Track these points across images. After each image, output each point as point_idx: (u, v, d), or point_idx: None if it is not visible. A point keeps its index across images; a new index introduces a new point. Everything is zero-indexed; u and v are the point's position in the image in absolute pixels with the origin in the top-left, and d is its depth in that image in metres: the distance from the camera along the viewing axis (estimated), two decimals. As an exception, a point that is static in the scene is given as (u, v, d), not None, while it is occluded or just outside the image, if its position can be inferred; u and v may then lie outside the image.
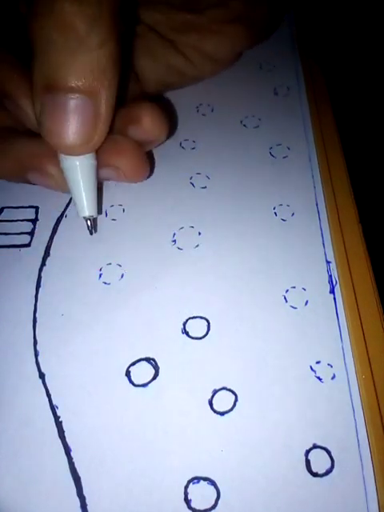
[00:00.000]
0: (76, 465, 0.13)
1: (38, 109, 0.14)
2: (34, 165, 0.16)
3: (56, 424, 0.13)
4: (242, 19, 0.21)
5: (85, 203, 0.16)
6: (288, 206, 0.19)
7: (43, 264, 0.17)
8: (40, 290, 0.16)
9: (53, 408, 0.14)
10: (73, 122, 0.14)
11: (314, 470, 0.12)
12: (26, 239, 0.18)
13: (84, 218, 0.16)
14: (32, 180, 0.17)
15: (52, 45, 0.13)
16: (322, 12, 0.30)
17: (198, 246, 0.17)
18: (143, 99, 0.16)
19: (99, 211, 0.17)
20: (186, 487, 0.12)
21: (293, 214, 0.18)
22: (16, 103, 0.15)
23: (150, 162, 0.18)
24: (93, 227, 0.16)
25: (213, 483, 0.12)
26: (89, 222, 0.16)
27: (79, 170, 0.15)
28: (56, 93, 0.13)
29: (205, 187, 0.19)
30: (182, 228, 0.18)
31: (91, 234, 0.16)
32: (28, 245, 0.18)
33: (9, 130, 0.17)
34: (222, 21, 0.20)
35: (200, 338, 0.15)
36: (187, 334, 0.15)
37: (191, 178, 0.20)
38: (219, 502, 0.12)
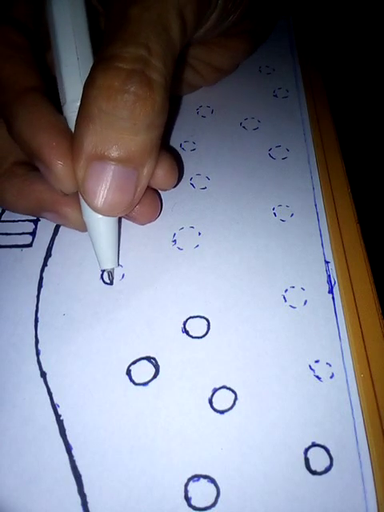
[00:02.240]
0: (77, 463, 0.13)
1: (81, 173, 0.14)
2: (52, 208, 0.16)
3: (57, 422, 0.13)
4: (247, 32, 0.22)
5: (107, 256, 0.16)
6: (287, 206, 0.19)
7: (45, 264, 0.17)
8: (41, 289, 0.16)
9: (54, 406, 0.14)
10: (117, 190, 0.14)
11: (313, 467, 0.13)
12: (27, 239, 0.18)
13: (104, 270, 0.16)
14: (48, 218, 0.17)
15: (116, 123, 0.13)
16: (321, 16, 0.30)
17: (197, 246, 0.18)
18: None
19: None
20: (186, 485, 0.12)
21: (292, 215, 0.18)
22: (48, 165, 0.15)
23: (160, 203, 0.18)
24: (112, 277, 0.16)
25: (213, 481, 0.12)
26: (109, 275, 0.16)
27: (103, 225, 0.15)
28: (105, 162, 0.14)
29: (205, 188, 0.20)
30: (182, 228, 0.18)
31: (111, 284, 0.16)
32: (30, 245, 0.18)
33: (26, 167, 0.17)
34: (228, 35, 0.21)
35: (200, 338, 0.15)
36: (187, 333, 0.15)
37: (191, 179, 0.20)
38: (219, 499, 0.12)
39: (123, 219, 0.18)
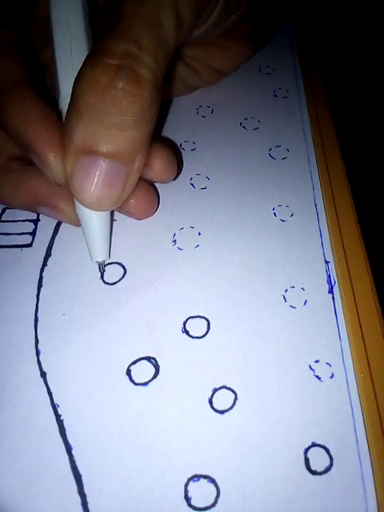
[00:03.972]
0: (77, 463, 0.13)
1: (69, 166, 0.14)
2: (48, 202, 0.17)
3: (57, 422, 0.13)
4: (247, 36, 0.22)
5: (98, 249, 0.16)
6: (287, 206, 0.19)
7: (45, 264, 0.17)
8: (41, 289, 0.16)
9: (54, 406, 0.14)
10: (104, 185, 0.14)
11: (313, 468, 0.13)
12: (27, 239, 0.18)
13: (96, 262, 0.16)
14: (43, 213, 0.17)
15: (105, 118, 0.13)
16: (321, 17, 0.30)
17: (198, 246, 0.18)
18: (154, 142, 0.16)
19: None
20: (186, 485, 0.12)
21: (292, 215, 0.18)
22: (38, 155, 0.15)
23: (157, 198, 0.18)
24: (103, 269, 0.17)
25: (213, 481, 0.12)
26: (101, 267, 0.17)
27: (95, 219, 0.15)
28: (94, 156, 0.14)
29: (205, 188, 0.20)
30: (182, 228, 0.18)
31: (102, 277, 0.17)
32: (30, 245, 0.18)
33: (21, 162, 0.17)
34: (228, 37, 0.21)
35: (200, 338, 0.15)
36: (187, 333, 0.15)
37: (191, 179, 0.20)
38: (219, 499, 0.12)
39: (123, 217, 0.18)
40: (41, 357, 0.15)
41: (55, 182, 0.15)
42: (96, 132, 0.14)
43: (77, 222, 0.17)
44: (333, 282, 0.16)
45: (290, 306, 0.16)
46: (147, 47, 0.13)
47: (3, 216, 0.19)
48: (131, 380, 0.14)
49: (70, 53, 0.15)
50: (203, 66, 0.22)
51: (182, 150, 0.21)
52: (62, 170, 0.15)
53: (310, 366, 0.14)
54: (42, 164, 0.15)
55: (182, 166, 0.20)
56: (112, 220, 0.18)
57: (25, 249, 0.18)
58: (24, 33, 0.17)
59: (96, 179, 0.14)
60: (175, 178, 0.19)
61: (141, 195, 0.17)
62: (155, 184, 0.19)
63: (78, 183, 0.14)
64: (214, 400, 0.14)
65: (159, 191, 0.19)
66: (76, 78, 0.14)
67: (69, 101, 0.14)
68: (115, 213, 0.18)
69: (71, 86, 0.14)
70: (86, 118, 0.13)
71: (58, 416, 0.14)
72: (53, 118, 0.15)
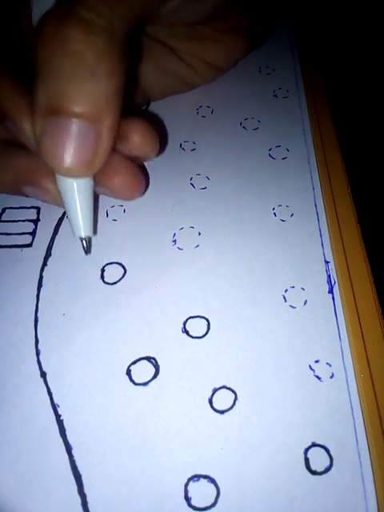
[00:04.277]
0: (77, 463, 0.13)
1: (38, 129, 0.14)
2: (31, 180, 0.16)
3: (57, 422, 0.13)
4: (243, 29, 0.21)
5: (81, 223, 0.15)
6: (287, 206, 0.19)
7: (45, 264, 0.17)
8: (41, 289, 0.16)
9: (54, 406, 0.14)
10: (74, 147, 0.14)
11: (313, 468, 0.13)
12: (27, 239, 0.18)
13: (80, 238, 0.16)
14: (29, 194, 0.17)
15: (59, 71, 0.13)
16: (321, 17, 0.30)
17: (198, 246, 0.18)
18: (132, 115, 0.16)
19: (94, 231, 0.17)
20: (186, 485, 0.12)
21: (292, 215, 0.18)
22: (14, 122, 0.15)
23: (144, 178, 0.18)
24: (88, 247, 0.16)
25: (213, 481, 0.12)
26: (84, 242, 0.16)
27: (76, 191, 0.15)
28: (60, 116, 0.13)
29: (205, 188, 0.20)
30: (182, 228, 0.18)
31: (86, 253, 0.16)
32: (29, 245, 0.18)
33: (6, 143, 0.17)
34: (223, 30, 0.21)
35: (200, 338, 0.15)
36: (187, 333, 0.15)
37: (191, 179, 0.20)
38: (219, 499, 0.12)
39: (123, 217, 0.18)
40: (41, 357, 0.15)
41: (36, 152, 0.15)
42: (57, 89, 0.13)
43: (60, 201, 0.16)
44: (333, 282, 0.16)
45: (290, 305, 0.16)
46: (116, 11, 0.13)
47: (3, 216, 0.19)
48: (131, 380, 0.14)
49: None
50: (198, 61, 0.22)
51: (181, 150, 0.21)
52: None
53: (309, 366, 0.14)
54: (19, 131, 0.15)
55: (167, 142, 0.20)
56: (96, 198, 0.17)
57: (25, 249, 0.18)
58: None
59: (65, 141, 0.14)
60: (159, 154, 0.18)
61: (125, 172, 0.17)
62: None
63: (47, 147, 0.14)
64: (213, 400, 0.14)
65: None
66: (34, 32, 0.13)
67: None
68: (113, 213, 0.18)
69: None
70: (43, 74, 0.13)
71: (57, 416, 0.14)
72: (24, 87, 0.15)
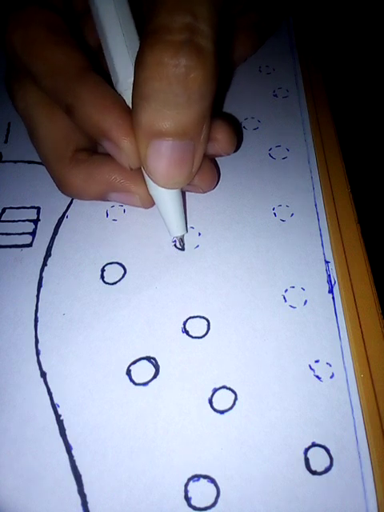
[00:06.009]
0: (77, 463, 0.13)
1: (143, 151, 0.15)
2: (123, 188, 0.17)
3: (57, 422, 0.13)
4: (254, 27, 0.22)
5: (177, 224, 0.17)
6: (287, 206, 0.19)
7: (45, 264, 0.17)
8: (41, 289, 0.16)
9: (54, 406, 0.14)
10: (177, 164, 0.15)
11: (313, 468, 0.13)
12: (27, 239, 0.18)
13: (175, 237, 0.17)
14: (114, 199, 0.18)
15: (161, 95, 0.13)
16: (321, 16, 0.30)
17: (198, 246, 0.18)
18: (215, 117, 0.16)
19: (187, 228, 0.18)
20: (186, 485, 0.12)
21: (292, 215, 0.18)
22: (115, 142, 0.15)
23: (218, 171, 0.19)
24: (183, 245, 0.17)
25: (213, 481, 0.12)
26: (180, 241, 0.17)
27: (170, 196, 0.16)
28: (163, 139, 0.14)
29: (205, 188, 0.20)
30: (182, 228, 0.18)
31: (183, 250, 0.17)
32: (29, 245, 0.18)
33: (87, 152, 0.17)
34: (238, 28, 0.21)
35: (200, 338, 0.15)
36: (187, 333, 0.15)
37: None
38: (219, 499, 0.12)
39: (122, 217, 0.18)
40: (41, 357, 0.15)
41: (129, 168, 0.16)
42: (163, 114, 0.14)
43: (148, 204, 0.18)
44: (333, 282, 0.16)
45: (290, 305, 0.16)
46: (203, 15, 0.13)
47: (3, 216, 0.19)
48: (131, 380, 0.14)
49: (122, 34, 0.15)
50: None
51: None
52: (136, 154, 0.15)
53: (310, 366, 0.14)
54: (118, 150, 0.15)
55: (242, 138, 0.21)
56: (184, 195, 0.18)
57: (25, 249, 0.18)
58: (66, 16, 0.17)
59: (169, 160, 0.15)
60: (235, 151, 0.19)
61: (205, 168, 0.17)
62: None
63: (153, 166, 0.15)
64: (213, 400, 0.14)
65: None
66: (137, 61, 0.14)
67: (128, 83, 0.15)
68: (113, 213, 0.18)
69: (129, 69, 0.14)
70: (152, 102, 0.14)
71: (58, 416, 0.14)
72: (123, 104, 0.15)
